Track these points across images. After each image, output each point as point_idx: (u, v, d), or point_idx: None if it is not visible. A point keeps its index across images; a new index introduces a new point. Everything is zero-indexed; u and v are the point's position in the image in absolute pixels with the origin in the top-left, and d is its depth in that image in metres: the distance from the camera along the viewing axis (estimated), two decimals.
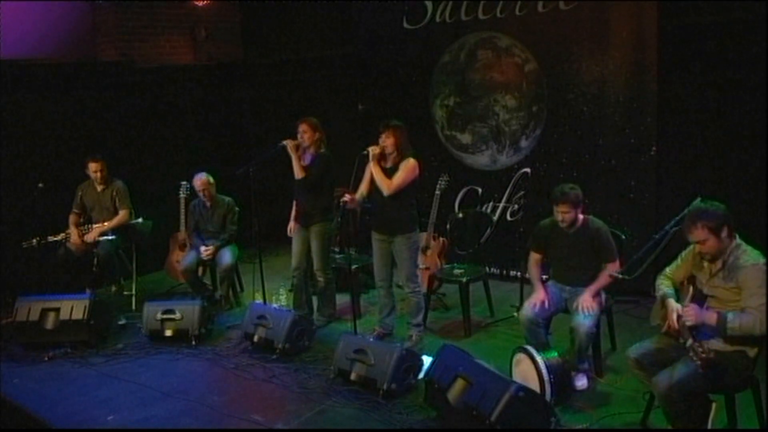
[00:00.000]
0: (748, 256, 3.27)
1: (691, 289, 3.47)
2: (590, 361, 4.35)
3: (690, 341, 3.19)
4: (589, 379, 4.27)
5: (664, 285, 3.61)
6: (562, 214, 4.19)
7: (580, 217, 4.27)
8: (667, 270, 3.67)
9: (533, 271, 4.48)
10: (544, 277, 4.55)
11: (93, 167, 6.02)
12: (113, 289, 6.57)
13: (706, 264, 3.40)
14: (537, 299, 4.30)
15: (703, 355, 3.09)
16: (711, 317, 3.25)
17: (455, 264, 5.63)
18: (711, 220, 3.25)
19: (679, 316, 3.34)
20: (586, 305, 4.12)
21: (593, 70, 5.75)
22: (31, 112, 6.43)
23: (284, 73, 8.01)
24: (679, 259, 3.62)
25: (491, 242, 6.52)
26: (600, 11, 5.63)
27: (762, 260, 3.23)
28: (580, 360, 4.21)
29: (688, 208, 3.99)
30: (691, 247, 3.49)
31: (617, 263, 4.25)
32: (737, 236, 3.33)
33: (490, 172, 6.54)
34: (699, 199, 3.87)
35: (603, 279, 4.22)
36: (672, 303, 3.47)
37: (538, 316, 4.31)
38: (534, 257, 4.49)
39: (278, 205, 6.30)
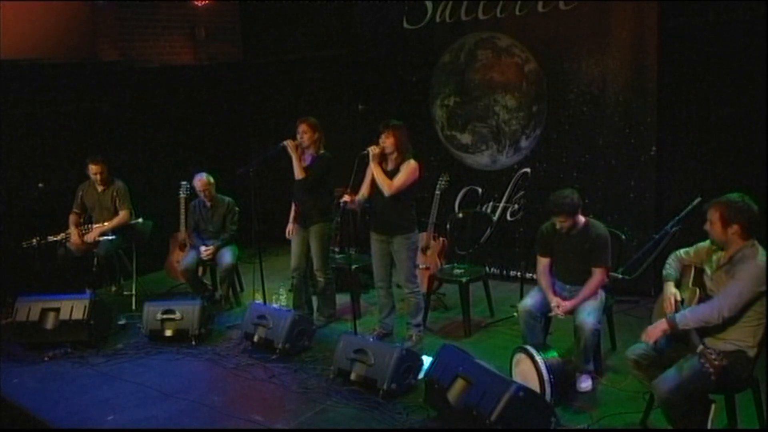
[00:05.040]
0: (754, 255, 3.26)
1: (698, 291, 3.47)
2: (596, 364, 4.33)
3: (701, 347, 3.15)
4: (593, 381, 4.25)
5: (670, 266, 3.64)
6: (560, 223, 4.23)
7: (581, 219, 4.28)
8: (682, 251, 3.66)
9: (543, 280, 4.41)
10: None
11: (93, 169, 6.02)
12: (113, 289, 6.58)
13: (715, 257, 3.41)
14: (555, 302, 4.27)
15: (716, 363, 3.06)
16: (663, 326, 3.36)
17: (455, 264, 5.62)
18: (727, 210, 3.25)
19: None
20: (563, 310, 4.20)
21: (593, 70, 5.75)
22: (31, 112, 6.43)
23: (284, 73, 8.01)
24: (695, 247, 3.61)
25: (491, 242, 6.52)
26: (600, 11, 5.64)
27: (763, 260, 3.22)
28: (586, 360, 4.20)
29: (688, 208, 4.01)
30: (708, 241, 3.49)
31: (605, 271, 4.25)
32: (755, 239, 3.30)
33: (490, 172, 6.53)
34: (699, 198, 3.89)
35: (589, 288, 4.22)
36: (670, 288, 3.53)
37: (537, 309, 4.32)
38: (542, 263, 4.45)
39: (278, 205, 6.30)
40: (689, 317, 3.31)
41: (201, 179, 6.00)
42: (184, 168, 6.56)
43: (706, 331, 3.31)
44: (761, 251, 3.27)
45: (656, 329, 3.40)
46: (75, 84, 6.73)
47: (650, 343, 3.43)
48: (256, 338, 5.05)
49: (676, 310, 3.43)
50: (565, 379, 4.02)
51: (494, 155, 6.49)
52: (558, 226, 4.25)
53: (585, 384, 4.21)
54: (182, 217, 6.25)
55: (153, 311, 5.30)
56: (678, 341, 3.41)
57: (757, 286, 3.19)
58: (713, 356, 3.08)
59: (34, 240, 5.87)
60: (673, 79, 5.41)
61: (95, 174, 6.03)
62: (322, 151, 5.27)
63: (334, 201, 5.15)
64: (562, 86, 5.95)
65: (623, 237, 4.72)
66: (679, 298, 3.48)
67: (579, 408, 4.03)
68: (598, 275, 4.23)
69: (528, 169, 6.29)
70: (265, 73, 8.19)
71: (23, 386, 4.62)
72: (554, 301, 4.28)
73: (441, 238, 5.84)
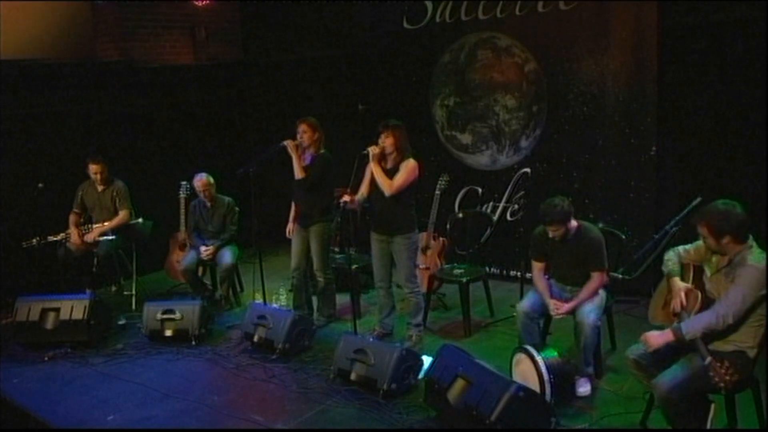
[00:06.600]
0: (753, 257, 3.24)
1: (699, 295, 3.43)
2: (596, 365, 4.31)
3: (709, 359, 3.08)
4: (592, 384, 4.23)
5: (671, 262, 3.60)
6: (552, 232, 4.19)
7: (573, 224, 4.23)
8: (681, 248, 3.63)
9: (539, 284, 4.40)
10: (545, 277, 4.53)
11: (93, 169, 6.02)
12: (113, 289, 6.58)
13: (714, 258, 3.39)
14: (553, 305, 4.26)
15: (727, 378, 3.00)
16: (668, 336, 3.29)
17: (455, 264, 5.63)
18: (713, 224, 3.22)
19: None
20: (561, 312, 4.20)
21: (593, 70, 5.75)
22: (31, 112, 6.43)
23: (284, 73, 8.01)
24: (694, 245, 3.57)
25: (491, 242, 6.50)
26: (600, 11, 5.64)
27: (762, 263, 3.21)
28: (586, 362, 4.18)
29: (688, 208, 4.01)
30: None
31: (604, 274, 4.24)
32: (752, 238, 3.28)
33: (490, 172, 6.53)
34: (699, 199, 3.88)
35: (587, 291, 4.21)
36: (678, 283, 3.48)
37: (535, 311, 4.32)
38: (537, 266, 4.43)
39: (278, 205, 6.30)
40: (695, 326, 3.24)
41: (201, 179, 6.00)
42: (184, 168, 6.56)
43: (708, 335, 3.29)
44: (759, 252, 3.26)
45: (660, 338, 3.33)
46: (75, 84, 6.73)
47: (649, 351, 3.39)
48: (256, 338, 5.05)
49: (684, 308, 3.40)
50: (565, 379, 4.02)
51: (494, 155, 6.49)
52: (551, 235, 4.21)
53: (583, 389, 4.18)
54: (182, 217, 6.25)
55: (153, 311, 5.30)
56: (684, 351, 3.36)
57: (759, 290, 3.17)
58: (723, 371, 3.02)
59: (34, 240, 5.87)
60: (673, 79, 5.41)
61: (95, 174, 6.03)
62: (322, 151, 5.27)
63: (334, 201, 5.15)
64: (562, 86, 5.95)
65: (623, 237, 4.72)
66: (683, 300, 3.41)
67: (579, 408, 4.03)
68: (596, 279, 4.22)
69: (528, 169, 6.29)
70: (265, 73, 8.19)
71: (23, 386, 4.62)
72: (552, 304, 4.27)
73: (441, 238, 5.84)
